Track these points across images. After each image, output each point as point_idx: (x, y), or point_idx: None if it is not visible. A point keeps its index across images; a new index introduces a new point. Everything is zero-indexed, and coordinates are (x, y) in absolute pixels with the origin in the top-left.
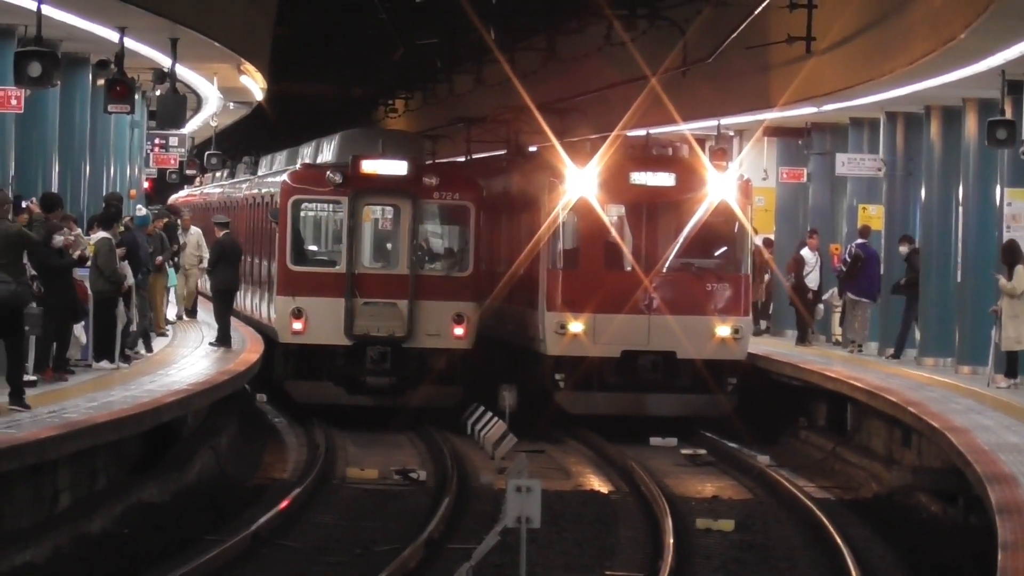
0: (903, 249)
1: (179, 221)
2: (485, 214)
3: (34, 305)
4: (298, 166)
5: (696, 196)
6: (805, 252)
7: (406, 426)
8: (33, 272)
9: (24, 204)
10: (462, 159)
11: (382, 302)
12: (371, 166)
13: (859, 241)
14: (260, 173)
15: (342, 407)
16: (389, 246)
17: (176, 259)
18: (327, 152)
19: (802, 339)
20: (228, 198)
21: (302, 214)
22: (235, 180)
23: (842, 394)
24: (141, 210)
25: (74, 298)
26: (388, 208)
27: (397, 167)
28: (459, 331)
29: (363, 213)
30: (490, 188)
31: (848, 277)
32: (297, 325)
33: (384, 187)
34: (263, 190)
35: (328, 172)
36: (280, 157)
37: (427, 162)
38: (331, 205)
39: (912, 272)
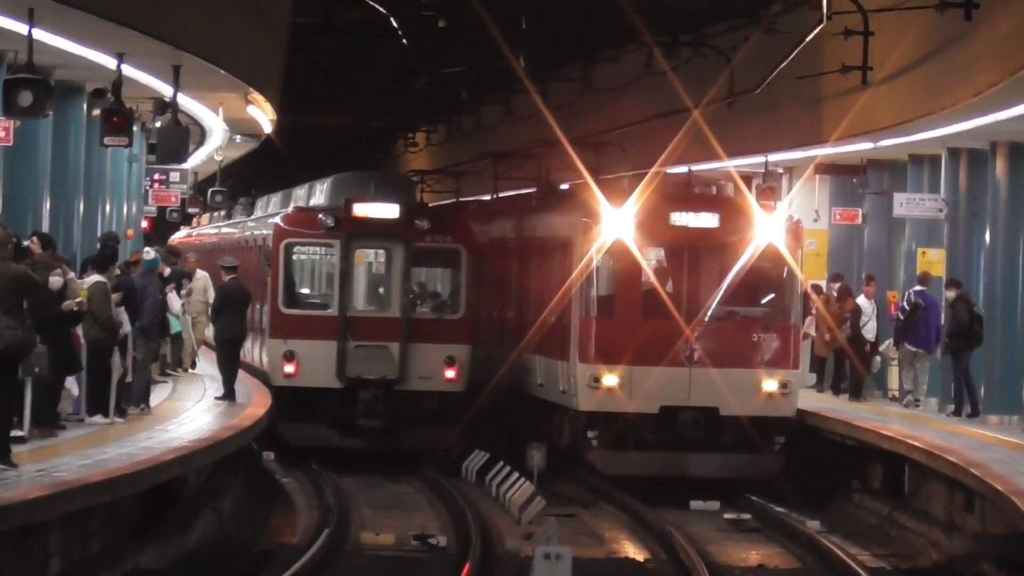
0: (949, 295)
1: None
2: (504, 257)
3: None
4: (290, 209)
5: (742, 239)
6: (862, 300)
7: (401, 469)
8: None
9: (25, 244)
10: (487, 197)
11: (374, 345)
12: (363, 209)
13: (917, 288)
14: (255, 215)
15: (335, 449)
16: (381, 289)
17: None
18: (319, 195)
19: (856, 394)
20: (223, 240)
21: (294, 257)
22: (231, 221)
23: (899, 454)
24: (149, 253)
25: (72, 349)
26: (380, 251)
27: (389, 210)
28: (451, 373)
29: (355, 256)
30: (519, 228)
31: (906, 327)
32: (289, 368)
33: (376, 230)
34: (256, 232)
35: (320, 215)
36: (275, 199)
37: (428, 204)
38: (323, 248)
39: (954, 323)
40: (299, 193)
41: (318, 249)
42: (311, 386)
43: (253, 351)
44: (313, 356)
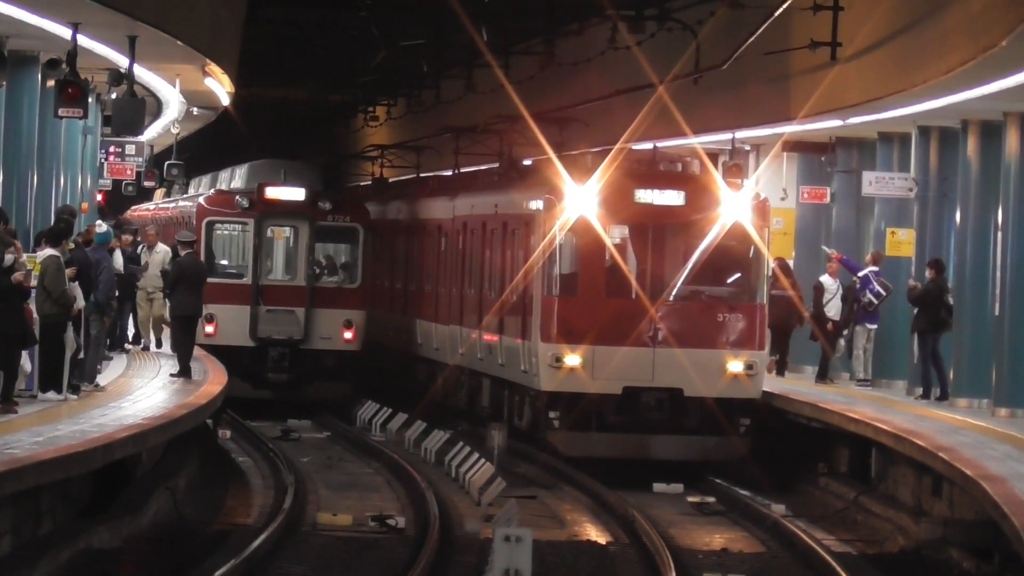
0: (929, 275)
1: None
2: (466, 234)
3: None
4: (212, 191)
5: (708, 217)
6: (825, 279)
7: (303, 415)
8: None
9: None
10: (448, 172)
11: (282, 309)
12: (274, 192)
13: (873, 269)
14: (188, 194)
15: (247, 400)
16: (289, 261)
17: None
18: (238, 179)
19: (822, 376)
20: (157, 215)
21: (215, 232)
22: (168, 199)
23: (866, 437)
24: (102, 226)
25: (24, 323)
26: (289, 228)
27: (296, 193)
28: (348, 335)
29: (267, 233)
30: (478, 205)
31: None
32: (209, 329)
33: (285, 211)
34: (185, 210)
35: (237, 197)
36: (205, 180)
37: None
38: (239, 226)
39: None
40: (223, 176)
41: (235, 226)
42: (228, 344)
43: None
44: (230, 319)
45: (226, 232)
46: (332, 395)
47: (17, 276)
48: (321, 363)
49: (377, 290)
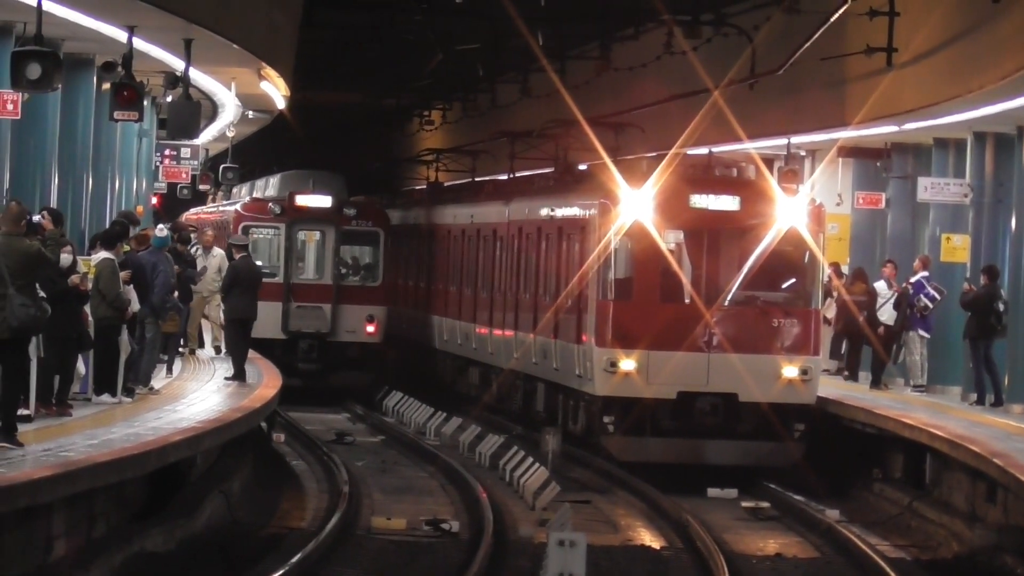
0: (983, 281)
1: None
2: (521, 238)
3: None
4: (248, 199)
5: (763, 222)
6: (879, 285)
7: (333, 401)
8: (42, 294)
9: (35, 219)
10: (503, 177)
11: (311, 305)
12: (303, 200)
13: (924, 274)
14: (231, 200)
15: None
16: (317, 261)
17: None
18: (272, 188)
19: (876, 382)
20: (203, 220)
21: (251, 236)
22: (214, 204)
23: (920, 443)
24: (162, 230)
25: (80, 325)
26: (317, 232)
27: (323, 201)
28: (371, 328)
29: (297, 236)
30: (533, 209)
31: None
32: None
33: (313, 217)
34: (226, 215)
35: (270, 204)
36: (245, 188)
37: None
38: (272, 230)
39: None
40: (259, 184)
41: (268, 230)
42: (262, 337)
43: None
44: (263, 314)
45: (261, 236)
46: (356, 383)
47: (74, 279)
48: (346, 354)
49: (434, 293)
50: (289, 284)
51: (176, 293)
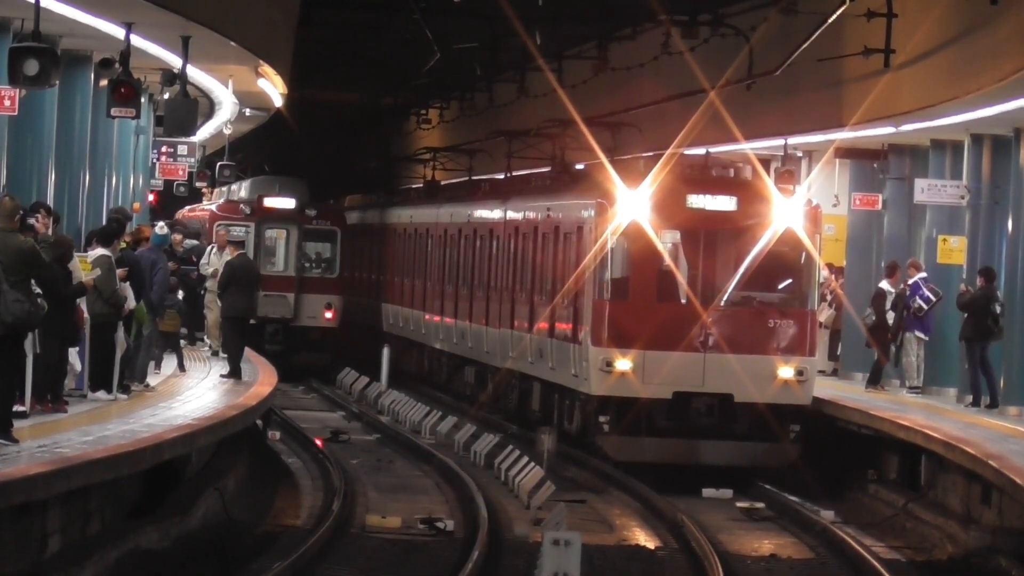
0: (980, 283)
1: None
2: (518, 238)
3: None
4: (222, 200)
5: (759, 222)
6: (885, 284)
7: (295, 378)
8: (38, 291)
9: (30, 221)
10: (500, 176)
11: (276, 294)
12: (270, 202)
13: (922, 276)
14: (212, 200)
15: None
16: (282, 256)
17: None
18: (244, 191)
19: (874, 382)
20: (187, 218)
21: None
22: (196, 205)
23: (916, 445)
24: (163, 228)
25: (74, 323)
26: (282, 230)
27: (287, 203)
28: (329, 315)
29: (266, 233)
30: (529, 208)
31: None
32: None
33: (278, 217)
34: (202, 214)
35: (241, 205)
36: (223, 190)
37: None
38: (243, 228)
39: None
40: (233, 188)
41: (240, 228)
42: None
43: None
44: None
45: (233, 233)
46: (316, 362)
47: (88, 280)
48: (307, 337)
49: (431, 293)
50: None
51: (180, 292)
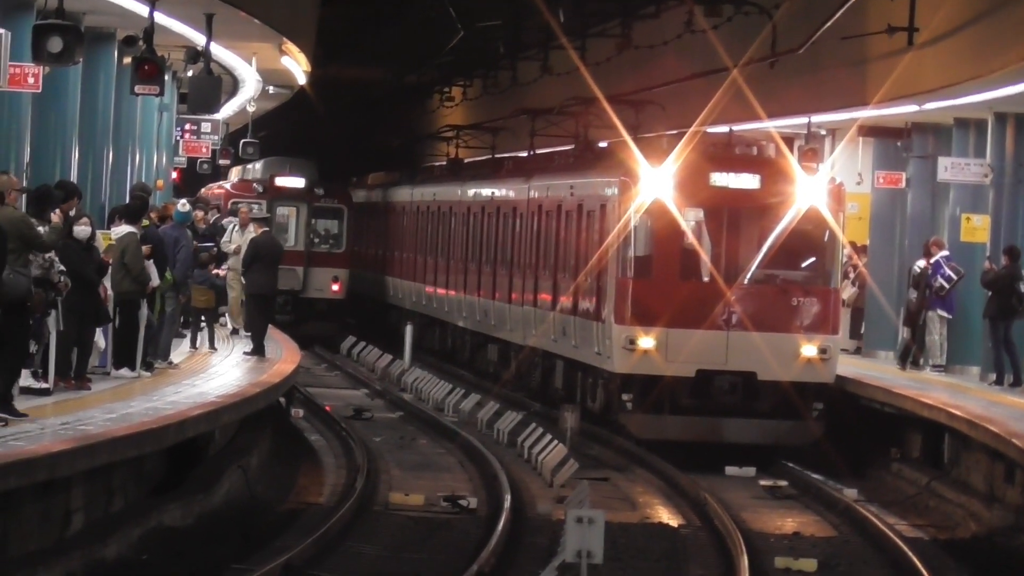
0: (1004, 262)
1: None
2: (541, 216)
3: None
4: (236, 179)
5: (783, 201)
6: (922, 263)
7: (304, 345)
8: (62, 268)
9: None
10: (524, 154)
11: (287, 268)
12: (281, 181)
13: (944, 254)
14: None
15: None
16: (293, 232)
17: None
18: (257, 171)
19: (904, 360)
20: (204, 196)
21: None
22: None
23: (939, 423)
24: (185, 205)
25: (99, 301)
26: (292, 207)
27: (297, 182)
28: (336, 287)
29: (277, 211)
30: (553, 186)
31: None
32: None
33: (289, 195)
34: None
35: (254, 183)
36: (238, 169)
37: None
38: (256, 206)
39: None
40: (248, 167)
41: (253, 206)
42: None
43: None
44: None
45: (256, 211)
46: (323, 331)
47: (107, 257)
48: (315, 308)
49: (454, 271)
50: None
51: (214, 268)
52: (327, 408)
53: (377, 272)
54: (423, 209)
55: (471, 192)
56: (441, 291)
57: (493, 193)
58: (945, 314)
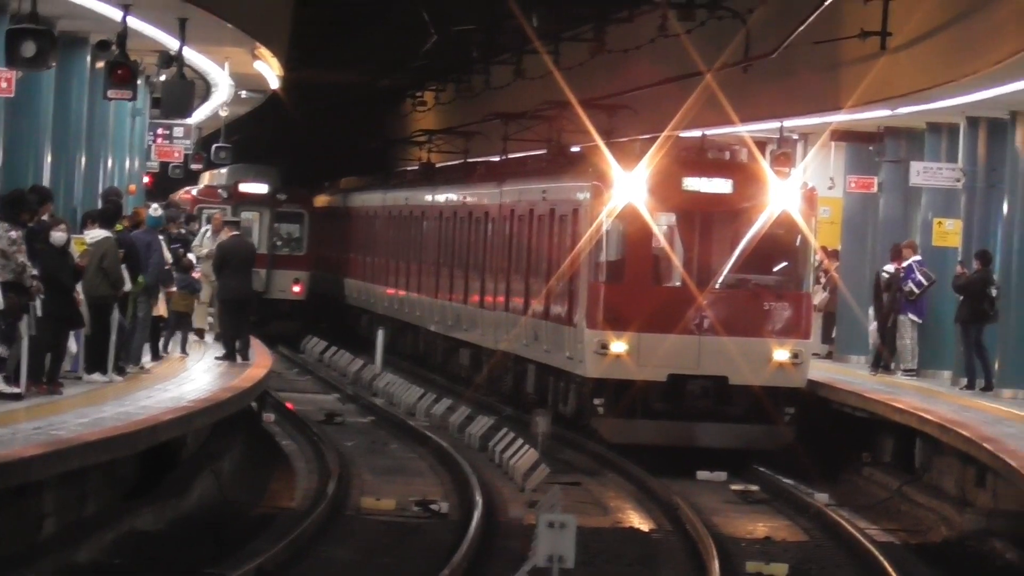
0: (976, 266)
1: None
2: (513, 220)
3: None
4: (203, 185)
5: (755, 205)
6: (891, 268)
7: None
8: (35, 272)
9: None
10: (496, 158)
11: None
12: (245, 187)
13: (916, 259)
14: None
15: None
16: (257, 235)
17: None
18: (223, 177)
19: (877, 365)
20: (172, 201)
21: (204, 215)
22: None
23: (910, 427)
24: (157, 210)
25: (74, 306)
26: (256, 212)
27: (261, 188)
28: (297, 289)
29: (241, 215)
30: (525, 190)
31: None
32: None
33: (252, 200)
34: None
35: (219, 189)
36: (207, 175)
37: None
38: (220, 211)
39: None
40: (214, 174)
41: (217, 211)
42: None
43: None
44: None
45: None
46: (286, 331)
47: (81, 262)
48: (278, 308)
49: (426, 275)
50: None
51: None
52: (288, 405)
53: (344, 275)
54: (395, 213)
55: (443, 196)
56: (413, 295)
57: (465, 197)
58: (916, 318)
